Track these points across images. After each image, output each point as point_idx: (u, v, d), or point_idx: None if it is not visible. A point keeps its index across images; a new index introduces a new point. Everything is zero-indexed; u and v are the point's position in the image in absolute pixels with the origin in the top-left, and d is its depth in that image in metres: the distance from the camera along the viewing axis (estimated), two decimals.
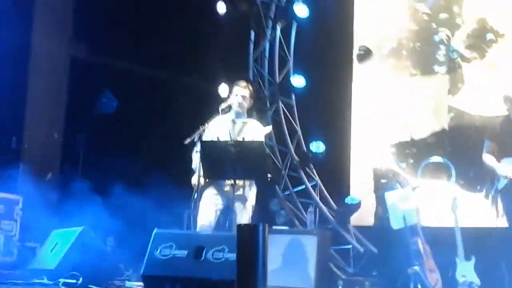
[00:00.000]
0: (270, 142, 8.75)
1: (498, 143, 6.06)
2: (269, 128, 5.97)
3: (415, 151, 8.39)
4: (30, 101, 8.95)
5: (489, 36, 8.12)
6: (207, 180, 5.83)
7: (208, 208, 5.84)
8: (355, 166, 8.71)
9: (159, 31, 9.22)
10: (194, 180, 5.82)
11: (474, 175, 7.76)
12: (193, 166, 5.91)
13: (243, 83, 6.09)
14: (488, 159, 6.10)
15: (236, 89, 6.00)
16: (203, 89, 8.75)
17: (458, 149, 8.10)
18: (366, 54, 8.66)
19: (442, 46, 8.44)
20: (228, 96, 6.11)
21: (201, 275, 5.13)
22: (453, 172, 7.02)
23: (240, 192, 5.78)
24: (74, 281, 5.66)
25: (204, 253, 5.26)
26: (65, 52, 9.48)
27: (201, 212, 5.86)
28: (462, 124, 8.16)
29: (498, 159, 6.00)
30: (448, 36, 8.41)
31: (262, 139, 5.84)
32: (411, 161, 8.38)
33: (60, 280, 5.67)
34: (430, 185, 7.95)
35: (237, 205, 5.76)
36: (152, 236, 5.47)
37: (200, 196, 5.89)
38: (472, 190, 7.78)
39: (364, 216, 8.40)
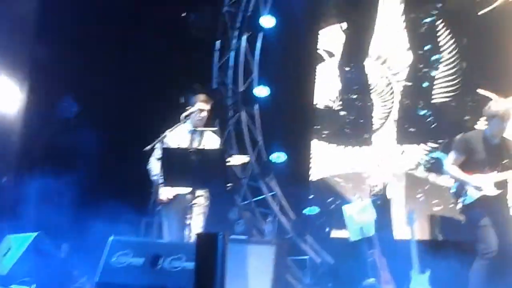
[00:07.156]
0: (233, 152, 8.72)
1: (470, 157, 5.55)
2: (246, 158, 5.91)
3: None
4: None
5: None
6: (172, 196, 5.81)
7: (177, 224, 5.82)
8: (315, 178, 8.75)
9: (123, 37, 9.11)
10: (161, 194, 5.79)
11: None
12: (154, 173, 5.85)
13: (203, 97, 6.09)
14: (454, 170, 5.61)
15: (198, 104, 5.99)
16: (166, 97, 8.67)
17: None
18: None
19: None
20: (189, 107, 6.05)
21: (157, 283, 5.09)
22: None
23: (197, 200, 5.79)
24: (26, 287, 5.56)
25: (161, 261, 5.22)
26: (26, 54, 9.31)
27: (170, 228, 5.84)
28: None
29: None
30: None
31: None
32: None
33: (12, 286, 5.56)
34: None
35: (194, 212, 5.76)
36: (108, 243, 5.40)
37: (165, 209, 5.86)
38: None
39: (322, 228, 8.43)
